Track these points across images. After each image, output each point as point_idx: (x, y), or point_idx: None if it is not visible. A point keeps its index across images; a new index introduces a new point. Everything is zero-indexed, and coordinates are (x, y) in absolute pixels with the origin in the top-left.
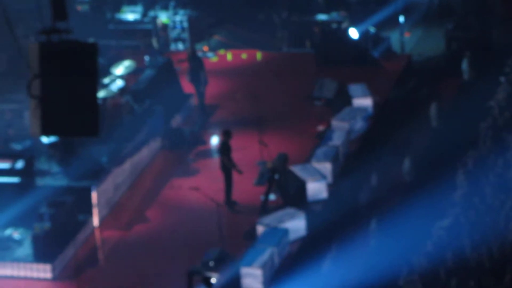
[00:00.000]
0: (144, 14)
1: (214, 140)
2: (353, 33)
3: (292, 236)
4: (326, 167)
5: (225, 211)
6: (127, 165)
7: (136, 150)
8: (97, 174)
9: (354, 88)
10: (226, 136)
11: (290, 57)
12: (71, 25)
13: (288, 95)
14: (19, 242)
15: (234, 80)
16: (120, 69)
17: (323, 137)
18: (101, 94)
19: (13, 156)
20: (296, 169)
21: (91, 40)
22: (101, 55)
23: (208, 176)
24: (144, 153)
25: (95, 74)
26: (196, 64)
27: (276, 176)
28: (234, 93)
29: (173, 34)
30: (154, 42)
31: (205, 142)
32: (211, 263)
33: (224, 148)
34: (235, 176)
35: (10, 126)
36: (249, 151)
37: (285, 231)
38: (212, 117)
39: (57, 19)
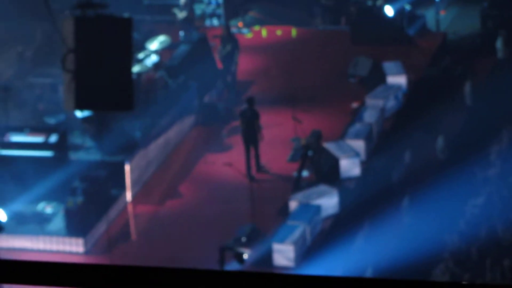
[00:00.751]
0: None
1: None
2: (389, 10)
3: (325, 213)
4: (359, 144)
5: (258, 187)
6: (160, 140)
7: (169, 125)
8: (130, 149)
9: (389, 66)
10: (252, 103)
11: (325, 35)
12: (106, 0)
13: (322, 72)
14: (51, 216)
15: (268, 56)
16: (154, 44)
17: (357, 115)
18: (135, 69)
19: (46, 130)
20: (330, 146)
21: (126, 15)
22: (135, 30)
23: (241, 152)
24: (178, 129)
25: (129, 49)
26: (230, 43)
27: (310, 153)
28: (268, 69)
29: (208, 9)
30: (178, 13)
31: (238, 118)
32: (243, 239)
33: (255, 114)
34: (269, 152)
35: (42, 100)
36: (283, 128)
37: (318, 208)
38: (246, 93)
39: None
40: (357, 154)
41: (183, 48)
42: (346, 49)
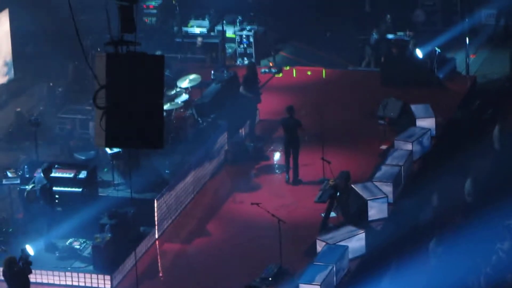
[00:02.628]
0: (211, 29)
1: (277, 156)
2: (419, 53)
3: (352, 254)
4: (387, 186)
5: (286, 227)
6: (189, 178)
7: (199, 163)
8: (159, 186)
9: (418, 108)
10: (292, 111)
11: (355, 76)
12: (139, 37)
13: (352, 113)
14: (80, 252)
15: (298, 96)
16: (185, 82)
17: (386, 156)
18: (166, 106)
19: (76, 166)
20: (358, 187)
21: (158, 52)
22: (167, 68)
23: (270, 192)
24: (207, 167)
25: (161, 87)
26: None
27: (338, 194)
28: (297, 109)
29: (240, 49)
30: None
31: (268, 157)
32: (270, 279)
33: (295, 122)
34: (297, 191)
35: (72, 136)
36: (312, 168)
37: (345, 249)
38: (275, 133)
39: (125, 31)
40: (385, 196)
41: (213, 87)
42: (375, 90)
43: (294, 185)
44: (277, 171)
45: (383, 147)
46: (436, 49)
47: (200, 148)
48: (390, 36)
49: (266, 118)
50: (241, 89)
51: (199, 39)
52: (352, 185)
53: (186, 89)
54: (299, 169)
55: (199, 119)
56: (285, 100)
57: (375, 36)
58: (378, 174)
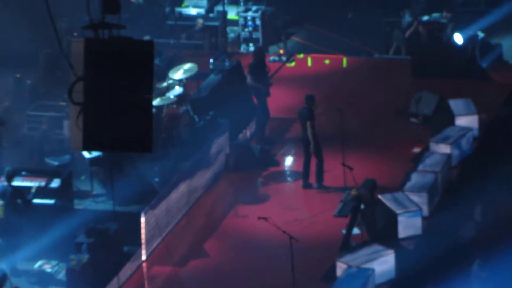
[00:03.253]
0: (210, 9)
1: (289, 161)
2: (458, 38)
3: (379, 278)
4: (421, 197)
5: (299, 246)
6: (183, 188)
7: (195, 170)
8: (148, 197)
9: (457, 104)
10: (310, 101)
11: (382, 65)
12: (123, 19)
13: (378, 109)
14: (51, 276)
15: (314, 90)
16: (179, 73)
17: (419, 161)
18: (156, 102)
19: (48, 173)
20: (386, 199)
21: (146, 37)
22: (157, 56)
23: (280, 204)
24: (205, 174)
25: (149, 79)
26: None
27: (362, 206)
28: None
29: (244, 33)
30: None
31: (278, 163)
32: None
33: (310, 113)
34: (313, 203)
35: (43, 138)
36: (330, 175)
37: (371, 272)
38: (287, 133)
39: (108, 12)
40: (418, 208)
41: (212, 79)
42: (406, 83)
43: (319, 188)
44: (289, 179)
45: (416, 150)
46: (479, 33)
47: (196, 152)
48: (424, 18)
49: (275, 115)
50: (248, 79)
51: (200, 20)
52: (379, 196)
53: (179, 81)
54: (322, 172)
55: (195, 116)
56: (297, 94)
57: (407, 18)
58: (409, 183)
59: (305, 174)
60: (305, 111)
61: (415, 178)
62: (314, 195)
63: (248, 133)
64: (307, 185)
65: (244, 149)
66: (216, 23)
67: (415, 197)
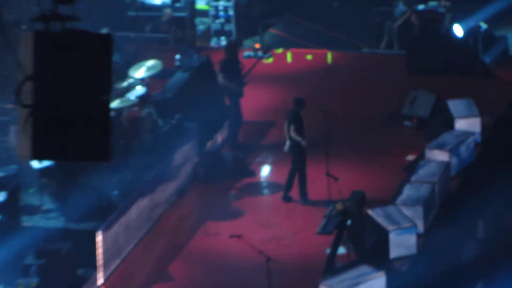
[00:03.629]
0: None
1: (266, 171)
2: (458, 30)
3: None
4: (416, 211)
5: (278, 268)
6: (146, 202)
7: (159, 181)
8: (105, 213)
9: (457, 105)
10: (298, 106)
11: (373, 61)
12: (79, 10)
13: (368, 111)
14: None
15: (294, 89)
16: (141, 71)
17: (414, 170)
18: (114, 104)
19: None
20: (376, 214)
21: (104, 30)
22: (117, 51)
23: (255, 220)
24: (170, 186)
25: (107, 77)
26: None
27: (348, 222)
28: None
29: (215, 25)
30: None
31: (254, 173)
32: None
33: (295, 117)
34: (294, 219)
35: None
36: (313, 187)
37: None
38: (264, 138)
39: (60, 2)
40: (412, 224)
41: (179, 77)
42: (400, 81)
43: (303, 203)
44: (266, 191)
45: (410, 158)
46: (481, 24)
47: (160, 161)
48: (420, 7)
49: (250, 119)
50: (219, 78)
51: (167, 11)
52: (368, 211)
53: (142, 80)
54: (305, 183)
55: (159, 120)
56: (275, 94)
57: (400, 7)
58: (402, 195)
59: (287, 185)
60: (291, 114)
61: (408, 189)
62: (295, 209)
63: (219, 139)
64: (287, 198)
65: (215, 158)
66: (183, 14)
67: (408, 212)
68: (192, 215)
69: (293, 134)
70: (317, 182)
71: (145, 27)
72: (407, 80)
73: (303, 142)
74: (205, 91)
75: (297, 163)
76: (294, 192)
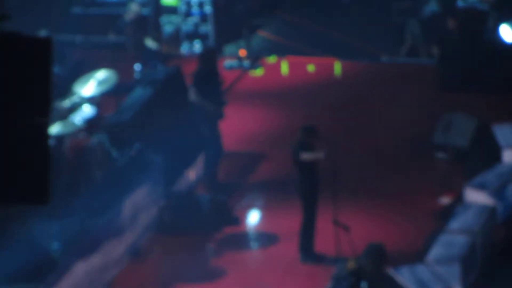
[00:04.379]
0: None
1: (254, 218)
2: (506, 32)
3: None
4: (452, 270)
5: None
6: (96, 259)
7: (113, 231)
8: (44, 271)
9: (506, 131)
10: (307, 136)
11: (394, 73)
12: (10, 8)
13: (388, 140)
14: None
15: (291, 110)
16: (90, 86)
17: (449, 218)
18: (55, 129)
19: None
20: (400, 274)
21: (42, 32)
22: (58, 61)
23: (241, 283)
24: (127, 238)
25: (46, 94)
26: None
27: (363, 285)
28: (291, 132)
29: (187, 25)
30: (149, 41)
31: (238, 220)
32: None
33: (302, 146)
34: (291, 279)
35: None
36: (316, 239)
37: None
38: (251, 174)
39: None
40: (447, 286)
41: (139, 94)
42: (430, 100)
43: (303, 260)
44: (254, 244)
45: (444, 201)
46: None
47: (114, 205)
48: (459, 3)
49: (233, 149)
50: (192, 95)
51: (133, 7)
52: (389, 270)
53: (91, 98)
54: (311, 233)
55: (113, 151)
56: (266, 117)
57: (432, 6)
58: (434, 250)
59: (304, 241)
60: (297, 145)
61: (442, 242)
62: (293, 269)
63: (192, 176)
64: (307, 257)
65: (187, 200)
66: (144, 11)
67: (442, 271)
68: (156, 277)
69: (305, 156)
70: (322, 232)
71: (107, 30)
72: (440, 99)
73: (320, 154)
74: (173, 112)
75: (308, 204)
76: (321, 245)
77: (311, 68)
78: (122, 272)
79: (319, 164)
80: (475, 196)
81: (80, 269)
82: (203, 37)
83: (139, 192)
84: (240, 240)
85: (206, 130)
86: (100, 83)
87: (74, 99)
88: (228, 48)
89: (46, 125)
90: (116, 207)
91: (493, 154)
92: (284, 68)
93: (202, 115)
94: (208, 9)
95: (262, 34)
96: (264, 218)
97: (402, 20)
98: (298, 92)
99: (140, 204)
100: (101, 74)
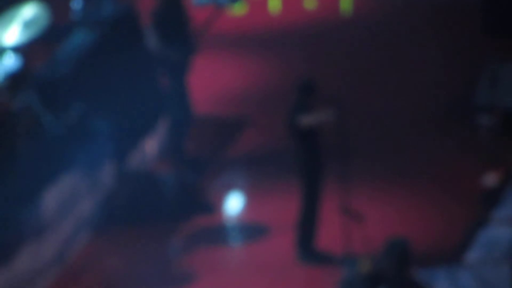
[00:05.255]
0: None
1: (234, 204)
2: None
3: None
4: (502, 273)
5: None
6: (25, 258)
7: (46, 223)
8: None
9: None
10: (305, 92)
11: (420, 12)
12: None
13: (414, 101)
14: None
15: (284, 61)
16: (12, 31)
17: (497, 203)
18: None
19: None
20: (431, 278)
21: None
22: None
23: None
24: (66, 229)
25: None
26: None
27: None
28: (282, 91)
29: None
30: None
31: (212, 207)
32: None
33: (300, 108)
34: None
35: None
36: (320, 231)
37: None
38: (230, 144)
39: None
40: None
41: (80, 41)
42: (470, 46)
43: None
44: (233, 239)
45: (489, 180)
46: None
47: (47, 187)
48: None
49: (206, 112)
50: (150, 40)
51: None
52: (415, 273)
53: (14, 49)
54: (312, 223)
55: (45, 116)
56: (250, 69)
57: None
58: (478, 246)
59: (303, 235)
60: (293, 107)
61: (488, 236)
62: (288, 270)
63: (151, 148)
64: (307, 256)
65: (144, 181)
66: None
67: (488, 275)
68: (105, 280)
69: (306, 120)
70: (327, 223)
71: None
72: (483, 46)
73: (328, 115)
74: (125, 64)
75: (309, 185)
76: (325, 241)
77: (310, 3)
78: (57, 277)
79: (325, 132)
80: None
81: (6, 270)
82: None
83: (80, 170)
84: (216, 233)
85: (170, 87)
86: (27, 25)
87: None
88: None
89: None
90: (49, 191)
91: None
92: (274, 3)
93: (164, 67)
94: None
95: None
96: (247, 205)
97: None
98: (293, 36)
99: (81, 187)
100: (28, 12)
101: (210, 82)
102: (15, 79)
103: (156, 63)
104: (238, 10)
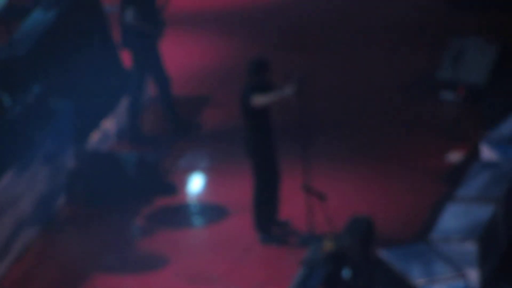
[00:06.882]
0: None
1: (196, 184)
2: None
3: None
4: (467, 251)
5: None
6: None
7: (2, 206)
8: None
9: None
10: (256, 73)
11: None
12: None
13: (376, 77)
14: None
15: (246, 37)
16: None
17: (461, 181)
18: None
19: None
20: (395, 257)
21: None
22: None
23: (180, 272)
24: (24, 214)
25: None
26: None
27: (345, 273)
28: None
29: None
30: None
31: (175, 187)
32: None
33: (254, 87)
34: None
35: None
36: (281, 211)
37: None
38: (192, 125)
39: None
40: (460, 274)
41: (38, 19)
42: (433, 21)
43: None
44: (197, 220)
45: (453, 157)
46: None
47: (6, 168)
48: None
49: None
50: (127, 16)
51: None
52: (380, 252)
53: None
54: (270, 204)
55: (3, 96)
56: (212, 46)
57: None
58: (442, 224)
59: (260, 216)
60: (247, 90)
61: (452, 214)
62: (250, 251)
63: (112, 128)
64: (268, 237)
65: (105, 161)
66: None
67: (453, 252)
68: (65, 264)
69: (259, 100)
70: (289, 201)
71: None
72: (446, 21)
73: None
74: (85, 43)
75: (261, 163)
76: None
77: None
78: (16, 261)
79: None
80: (494, 152)
81: None
82: None
83: (40, 152)
84: (177, 214)
85: (134, 66)
86: None
87: None
88: None
89: None
90: (7, 174)
91: (504, 97)
92: None
93: (133, 45)
94: None
95: None
96: (210, 185)
97: None
98: (260, 8)
99: (40, 168)
100: None
101: (172, 61)
102: None
103: (122, 41)
104: None
